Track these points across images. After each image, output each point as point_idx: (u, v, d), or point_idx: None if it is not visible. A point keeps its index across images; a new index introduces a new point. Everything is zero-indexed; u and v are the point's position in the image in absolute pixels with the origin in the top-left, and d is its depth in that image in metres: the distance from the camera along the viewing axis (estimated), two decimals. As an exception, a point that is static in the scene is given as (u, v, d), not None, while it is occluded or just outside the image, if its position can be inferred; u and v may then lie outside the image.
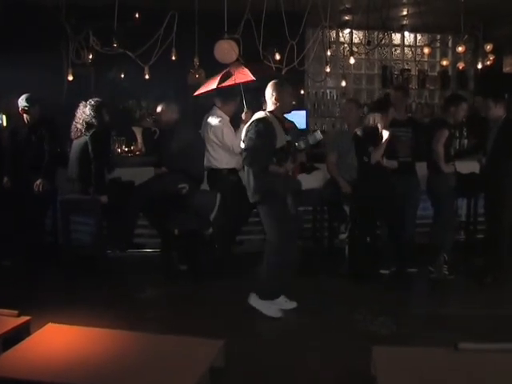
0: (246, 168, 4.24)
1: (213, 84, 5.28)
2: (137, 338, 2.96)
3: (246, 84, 5.31)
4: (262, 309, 4.21)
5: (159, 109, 5.43)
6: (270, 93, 4.21)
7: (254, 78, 5.23)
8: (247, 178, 4.22)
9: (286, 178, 4.16)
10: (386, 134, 4.85)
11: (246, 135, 4.17)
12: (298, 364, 3.45)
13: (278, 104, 4.17)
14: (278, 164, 4.08)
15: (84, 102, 5.20)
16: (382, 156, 4.90)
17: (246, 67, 5.36)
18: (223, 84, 5.20)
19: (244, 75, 5.27)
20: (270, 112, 4.19)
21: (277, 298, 4.29)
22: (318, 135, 4.32)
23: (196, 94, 5.55)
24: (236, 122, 5.28)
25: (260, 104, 5.20)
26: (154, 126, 5.85)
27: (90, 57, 5.82)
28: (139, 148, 6.38)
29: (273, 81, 4.28)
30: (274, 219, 4.14)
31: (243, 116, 5.19)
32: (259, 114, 4.19)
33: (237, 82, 5.18)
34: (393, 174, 5.01)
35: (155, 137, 5.62)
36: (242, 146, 4.31)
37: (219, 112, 5.29)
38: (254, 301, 4.25)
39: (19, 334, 2.88)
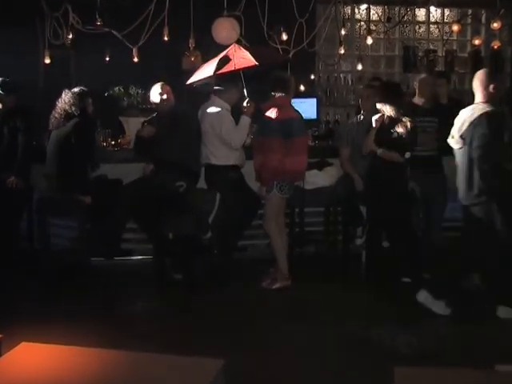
0: (460, 166, 4.42)
1: (208, 70, 5.22)
2: (125, 358, 2.92)
3: (248, 69, 5.26)
4: None
5: (158, 89, 5.24)
6: (477, 82, 4.39)
7: (256, 63, 5.18)
8: (462, 176, 4.38)
9: None
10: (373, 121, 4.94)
11: (472, 130, 4.25)
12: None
13: (486, 95, 4.33)
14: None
15: (67, 90, 5.17)
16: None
17: (247, 49, 5.30)
18: (221, 71, 5.15)
19: (244, 59, 5.21)
20: (483, 103, 4.33)
21: None
22: None
23: (189, 82, 5.48)
24: (236, 113, 5.24)
25: (264, 92, 5.17)
26: (145, 117, 5.76)
27: (70, 37, 5.80)
28: (127, 141, 6.34)
29: (481, 70, 4.52)
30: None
31: (245, 106, 5.15)
32: (483, 108, 4.30)
33: (237, 67, 5.13)
34: (415, 171, 4.99)
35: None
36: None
37: (218, 101, 5.24)
38: None
39: (-12, 355, 2.86)
